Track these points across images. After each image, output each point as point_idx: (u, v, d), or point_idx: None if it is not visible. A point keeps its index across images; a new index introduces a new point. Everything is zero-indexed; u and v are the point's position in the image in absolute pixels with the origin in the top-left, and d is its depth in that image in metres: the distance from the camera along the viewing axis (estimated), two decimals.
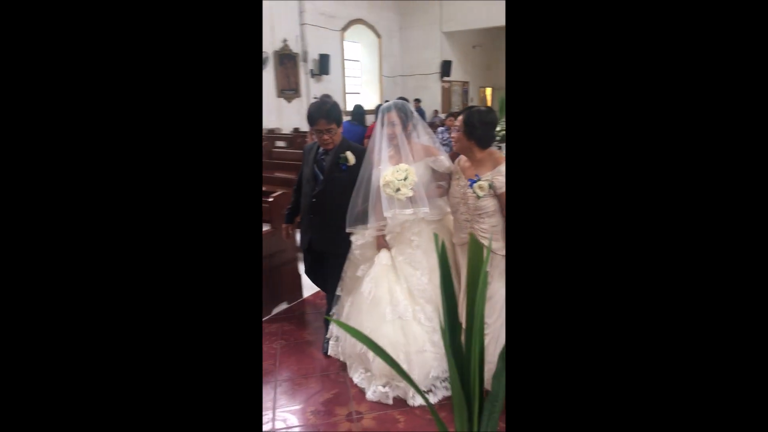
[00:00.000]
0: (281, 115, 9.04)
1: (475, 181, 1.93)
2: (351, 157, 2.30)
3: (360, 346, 2.18)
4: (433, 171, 2.22)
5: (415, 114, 2.24)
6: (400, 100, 2.25)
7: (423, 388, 2.07)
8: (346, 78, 10.74)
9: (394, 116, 2.19)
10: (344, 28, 10.37)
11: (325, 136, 2.26)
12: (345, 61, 10.62)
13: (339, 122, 2.29)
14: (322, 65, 9.66)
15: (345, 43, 10.53)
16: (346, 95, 10.56)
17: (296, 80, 9.39)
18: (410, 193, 2.13)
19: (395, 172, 2.13)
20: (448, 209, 2.24)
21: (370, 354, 2.10)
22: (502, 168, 1.90)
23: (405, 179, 2.11)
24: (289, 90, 9.25)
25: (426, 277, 2.20)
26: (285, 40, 9.00)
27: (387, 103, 2.23)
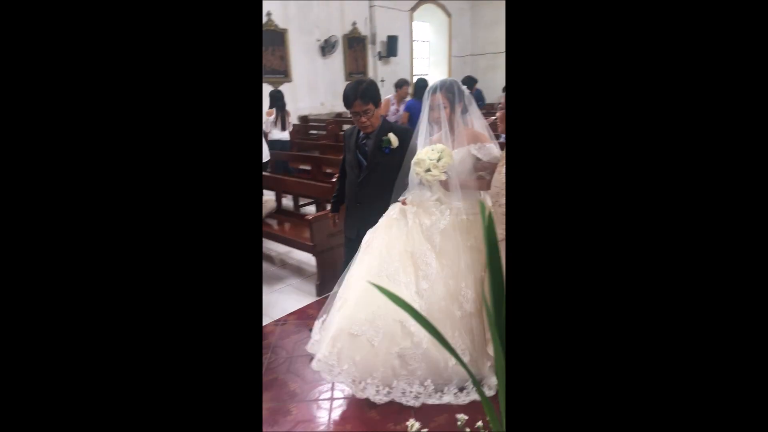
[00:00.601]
0: None
1: None
2: (394, 139, 2.15)
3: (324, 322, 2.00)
4: (476, 160, 1.98)
5: (466, 93, 2.01)
6: (450, 79, 2.03)
7: (381, 369, 1.88)
8: (414, 59, 10.61)
9: (439, 99, 1.95)
10: (413, 8, 10.20)
11: (363, 119, 2.13)
12: (414, 42, 10.48)
13: (376, 103, 2.15)
14: (390, 47, 9.61)
15: (414, 23, 10.37)
16: (414, 77, 10.44)
17: (364, 63, 9.45)
18: (442, 177, 1.90)
19: (429, 150, 1.91)
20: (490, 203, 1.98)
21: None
22: None
23: (439, 160, 1.87)
24: (357, 73, 9.33)
25: (433, 256, 1.95)
26: (354, 23, 9.05)
27: (433, 83, 2.01)
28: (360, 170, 2.26)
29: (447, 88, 1.97)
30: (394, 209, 2.09)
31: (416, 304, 1.89)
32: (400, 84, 5.57)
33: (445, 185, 1.98)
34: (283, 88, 8.04)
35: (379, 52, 9.61)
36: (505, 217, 1.72)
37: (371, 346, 1.85)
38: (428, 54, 11.52)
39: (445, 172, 1.90)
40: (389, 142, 2.16)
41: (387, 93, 8.70)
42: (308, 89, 8.43)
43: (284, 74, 8.04)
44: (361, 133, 2.24)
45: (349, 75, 9.16)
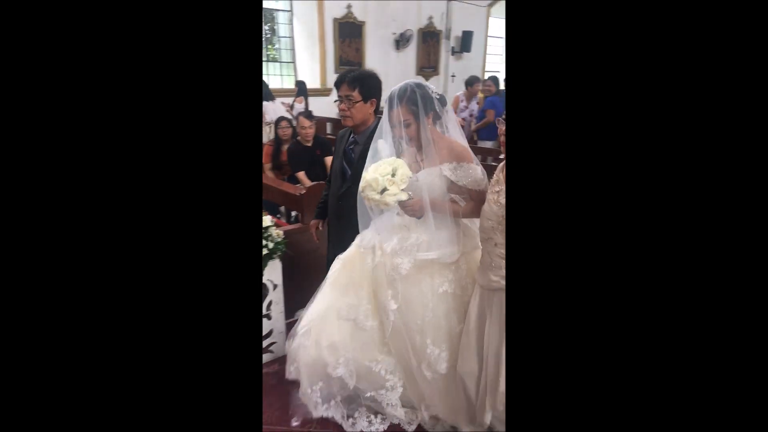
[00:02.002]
0: None
1: None
2: (383, 147, 1.83)
3: (318, 357, 1.68)
4: (450, 182, 1.56)
5: (435, 97, 1.55)
6: (411, 84, 1.55)
7: (365, 404, 1.76)
8: (487, 56, 10.48)
9: (400, 114, 1.51)
10: (491, 4, 10.04)
11: (342, 105, 1.82)
12: (488, 38, 10.34)
13: (366, 95, 1.81)
14: (464, 42, 9.56)
15: (491, 19, 10.22)
16: (486, 73, 10.32)
17: (436, 58, 9.48)
18: (404, 196, 1.46)
19: (378, 166, 1.48)
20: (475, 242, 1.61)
21: (332, 364, 1.67)
22: None
23: (393, 175, 1.45)
24: (428, 68, 9.39)
25: (394, 305, 1.61)
26: (431, 18, 9.09)
27: (390, 92, 1.55)
28: (343, 180, 1.92)
29: (408, 99, 1.50)
30: (360, 239, 1.77)
31: (385, 348, 1.69)
32: (471, 81, 5.57)
33: (409, 209, 1.53)
34: None
35: (452, 47, 9.58)
36: (504, 259, 1.34)
37: (348, 387, 1.69)
38: (502, 51, 11.30)
39: (404, 191, 1.47)
40: (376, 150, 1.82)
41: (458, 89, 8.70)
42: None
43: (358, 66, 8.29)
44: (351, 137, 1.93)
45: (420, 69, 9.25)
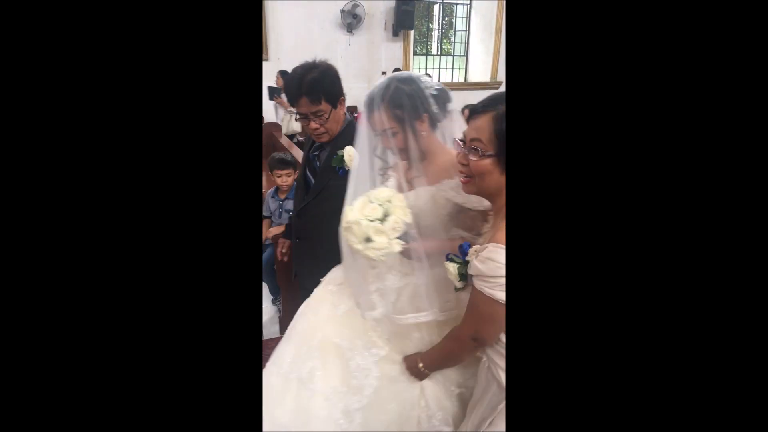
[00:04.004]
0: None
1: (468, 247, 0.92)
2: (349, 158, 1.40)
3: None
4: (454, 208, 1.12)
5: (430, 92, 1.08)
6: (396, 78, 1.10)
7: None
8: None
9: (387, 118, 1.07)
10: None
11: (312, 124, 1.44)
12: None
13: (334, 100, 1.43)
14: None
15: None
16: None
17: None
18: (396, 248, 1.02)
19: (366, 203, 1.04)
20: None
21: None
22: None
23: (384, 219, 1.02)
24: None
25: (376, 355, 1.13)
26: None
27: (370, 91, 1.11)
28: (305, 192, 1.60)
29: (391, 99, 1.06)
30: (330, 278, 1.32)
31: (341, 427, 1.10)
32: None
33: (407, 254, 1.10)
34: None
35: None
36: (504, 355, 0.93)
37: None
38: None
39: (400, 238, 1.03)
40: (341, 161, 1.42)
41: None
42: None
43: None
44: (315, 142, 1.58)
45: None
